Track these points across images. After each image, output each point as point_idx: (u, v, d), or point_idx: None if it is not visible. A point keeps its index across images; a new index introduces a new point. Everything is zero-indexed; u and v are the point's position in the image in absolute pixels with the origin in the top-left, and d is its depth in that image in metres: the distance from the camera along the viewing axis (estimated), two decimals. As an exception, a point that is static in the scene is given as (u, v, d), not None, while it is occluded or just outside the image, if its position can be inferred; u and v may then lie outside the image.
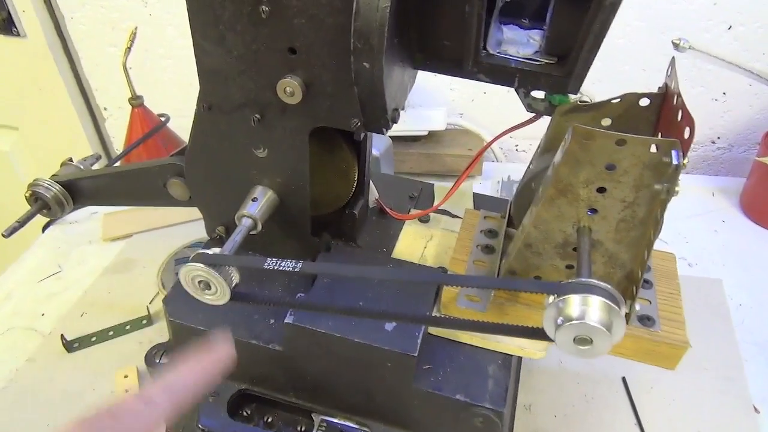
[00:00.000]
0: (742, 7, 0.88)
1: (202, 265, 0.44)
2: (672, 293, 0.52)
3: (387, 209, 0.62)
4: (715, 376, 0.67)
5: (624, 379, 0.68)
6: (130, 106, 0.97)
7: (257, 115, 0.48)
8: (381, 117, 0.44)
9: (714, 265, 0.83)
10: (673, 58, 0.44)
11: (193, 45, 0.46)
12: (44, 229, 0.95)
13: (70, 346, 0.72)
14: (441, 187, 0.70)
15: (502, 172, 1.03)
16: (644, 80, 0.96)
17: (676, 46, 0.70)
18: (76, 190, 0.66)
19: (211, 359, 0.38)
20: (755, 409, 0.64)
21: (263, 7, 0.42)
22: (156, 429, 0.32)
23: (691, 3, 0.88)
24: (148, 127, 0.98)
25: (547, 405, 0.65)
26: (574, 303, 0.37)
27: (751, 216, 0.90)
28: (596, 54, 0.42)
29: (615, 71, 0.93)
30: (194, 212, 0.60)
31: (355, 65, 0.40)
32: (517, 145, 1.12)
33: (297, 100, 0.45)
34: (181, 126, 1.01)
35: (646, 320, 0.49)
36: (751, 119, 0.99)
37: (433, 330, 0.51)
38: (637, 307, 0.49)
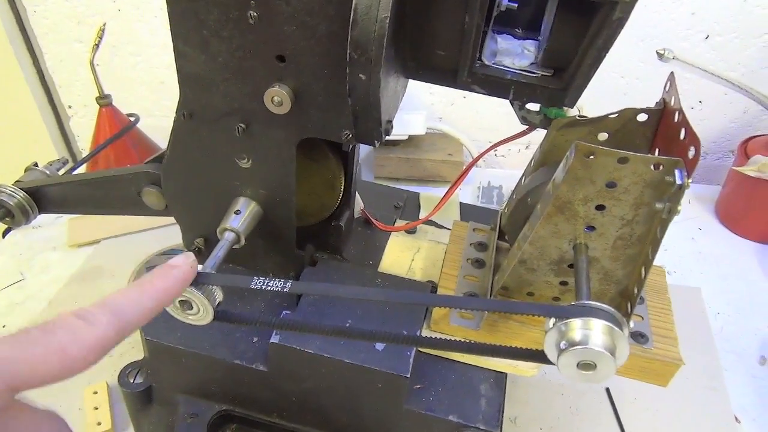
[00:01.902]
0: (719, 18, 0.89)
1: (183, 284, 0.41)
2: (663, 308, 0.51)
3: (373, 220, 0.60)
4: (697, 385, 0.68)
5: (608, 390, 0.67)
6: (97, 105, 0.93)
7: (242, 125, 0.46)
8: (374, 129, 0.42)
9: (692, 273, 0.83)
10: (672, 73, 0.43)
11: (174, 50, 0.44)
12: (4, 234, 0.89)
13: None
14: (425, 196, 0.68)
15: (481, 177, 1.03)
16: (623, 87, 0.96)
17: (660, 56, 0.70)
18: (41, 197, 0.62)
19: (162, 280, 0.34)
20: (736, 419, 0.65)
21: (252, 12, 0.39)
22: (94, 351, 0.28)
23: (670, 12, 0.89)
24: (117, 127, 0.94)
25: (532, 417, 0.65)
26: (576, 327, 0.36)
27: (726, 224, 0.91)
28: (597, 69, 0.41)
29: (594, 78, 0.93)
30: (167, 218, 0.58)
31: (351, 77, 0.38)
32: (495, 151, 1.11)
33: (285, 110, 0.43)
34: (151, 126, 0.97)
35: (639, 337, 0.49)
36: (726, 127, 1.00)
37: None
38: (631, 324, 0.48)
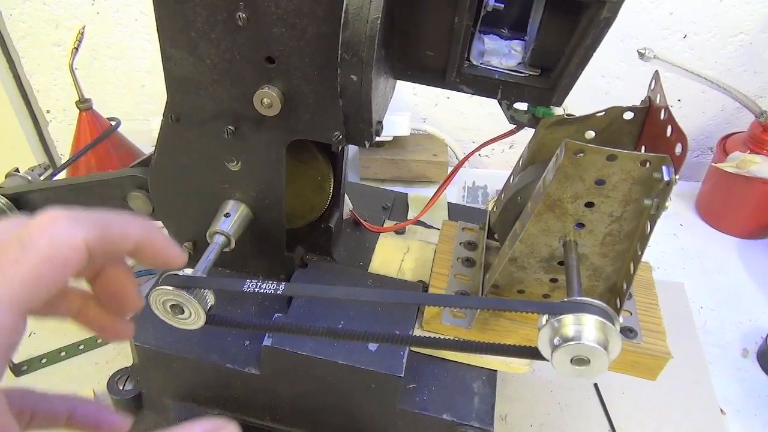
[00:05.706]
0: (696, 18, 0.90)
1: (174, 288, 0.41)
2: (650, 303, 0.52)
3: (362, 221, 0.60)
4: (683, 379, 0.69)
5: (596, 385, 0.68)
6: (76, 109, 0.91)
7: (231, 127, 0.45)
8: (365, 130, 0.42)
9: (675, 268, 0.85)
10: (657, 72, 0.44)
11: (161, 53, 0.43)
12: (-15, 241, 0.88)
13: (18, 369, 0.67)
14: (414, 196, 0.69)
15: (466, 177, 1.03)
16: (604, 87, 0.98)
17: (641, 55, 0.71)
18: (24, 203, 0.61)
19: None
20: (721, 411, 0.66)
21: (240, 14, 0.39)
22: None
23: (649, 12, 0.90)
24: (97, 131, 0.92)
25: (522, 415, 0.65)
26: (569, 323, 0.36)
27: (707, 219, 0.92)
28: (584, 68, 0.41)
29: (576, 78, 0.95)
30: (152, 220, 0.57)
31: (342, 78, 0.38)
32: (480, 152, 1.12)
33: (275, 112, 0.43)
34: (132, 130, 0.96)
35: (628, 332, 0.49)
36: (704, 125, 1.02)
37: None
38: (620, 319, 0.49)
